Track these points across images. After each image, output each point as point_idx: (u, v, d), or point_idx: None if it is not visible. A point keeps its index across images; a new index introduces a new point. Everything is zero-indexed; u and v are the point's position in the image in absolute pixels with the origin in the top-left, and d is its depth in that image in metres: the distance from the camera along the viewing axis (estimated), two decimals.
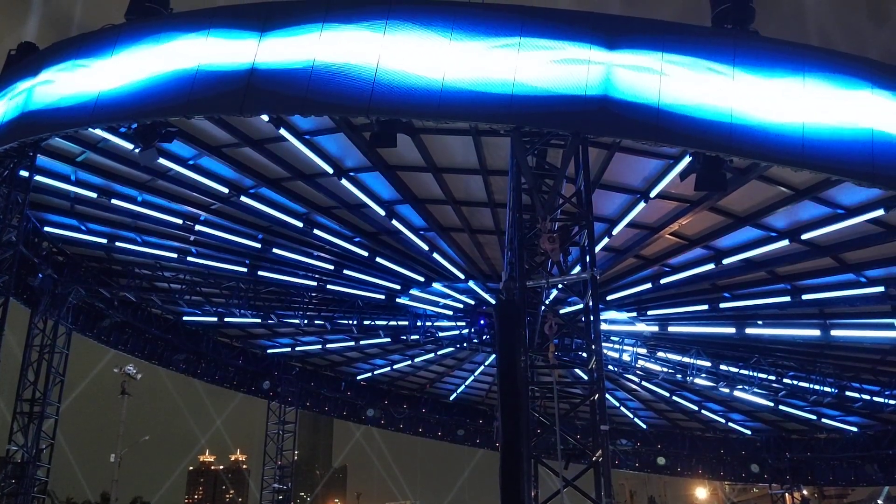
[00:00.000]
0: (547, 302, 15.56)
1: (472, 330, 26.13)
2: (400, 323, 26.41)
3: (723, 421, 33.48)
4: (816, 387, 26.09)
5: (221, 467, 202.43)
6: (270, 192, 19.51)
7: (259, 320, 28.14)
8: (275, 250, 23.30)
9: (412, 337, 26.74)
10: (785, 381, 26.24)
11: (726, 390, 27.78)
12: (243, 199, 19.85)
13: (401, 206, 19.79)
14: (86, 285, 25.81)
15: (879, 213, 15.50)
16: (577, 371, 25.94)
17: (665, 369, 27.25)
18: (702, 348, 26.50)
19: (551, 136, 14.11)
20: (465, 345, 27.16)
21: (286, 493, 35.39)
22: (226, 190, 19.53)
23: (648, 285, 21.99)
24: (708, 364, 26.60)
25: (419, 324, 26.28)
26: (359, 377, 35.31)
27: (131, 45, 15.58)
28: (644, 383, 29.88)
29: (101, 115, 15.41)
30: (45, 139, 17.09)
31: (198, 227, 21.97)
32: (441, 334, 26.75)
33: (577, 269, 14.66)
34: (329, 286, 25.60)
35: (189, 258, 24.34)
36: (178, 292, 25.94)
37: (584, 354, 14.26)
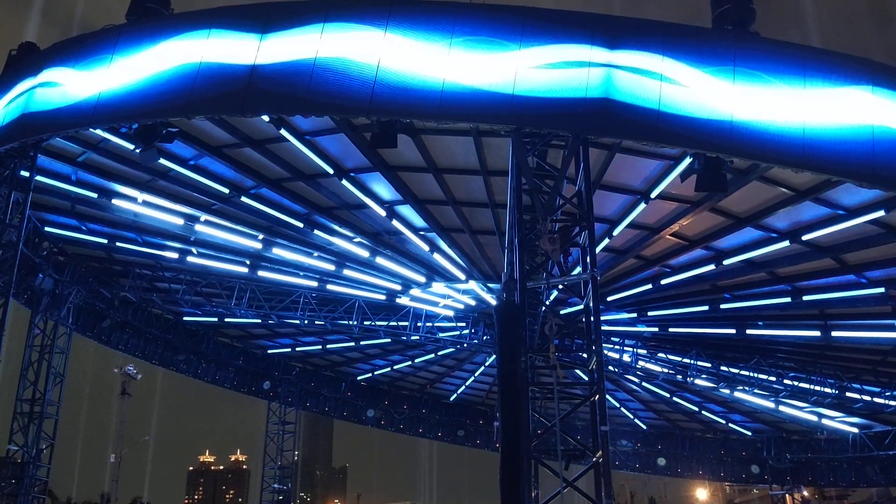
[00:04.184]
0: (547, 302, 15.53)
1: (473, 331, 26.16)
2: (400, 323, 26.41)
3: (723, 422, 33.50)
4: (817, 388, 26.13)
5: (221, 467, 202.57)
6: (271, 192, 19.52)
7: (259, 320, 28.17)
8: (275, 250, 23.31)
9: (412, 337, 26.75)
10: (785, 381, 26.26)
11: (727, 391, 27.81)
12: (244, 199, 19.86)
13: (401, 207, 19.79)
14: (86, 285, 25.84)
15: (880, 213, 15.51)
16: (578, 372, 25.97)
17: (665, 370, 27.26)
18: (702, 349, 26.50)
19: (552, 137, 14.11)
20: (465, 345, 27.16)
21: (286, 493, 35.40)
22: (226, 190, 19.54)
23: (649, 286, 21.99)
24: (708, 365, 26.62)
25: (419, 324, 26.29)
26: (359, 377, 35.35)
27: (132, 45, 15.55)
28: (644, 384, 29.89)
29: (101, 115, 15.41)
30: (46, 139, 17.09)
31: (198, 228, 21.97)
32: (441, 335, 26.75)
33: (578, 269, 14.65)
34: (329, 286, 25.62)
35: (189, 258, 24.35)
36: (179, 292, 25.95)
37: (585, 355, 14.25)
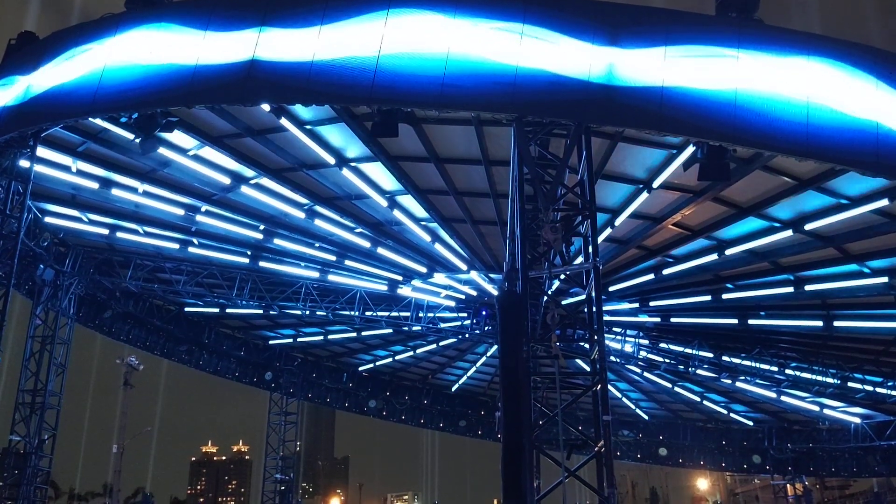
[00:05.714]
0: (549, 292, 15.50)
1: (475, 321, 26.15)
2: (402, 314, 26.41)
3: (725, 412, 33.54)
4: (819, 378, 26.13)
5: (224, 458, 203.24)
6: (272, 182, 19.45)
7: (261, 311, 28.17)
8: (276, 241, 23.27)
9: (414, 328, 26.75)
10: (787, 371, 26.25)
11: (728, 381, 27.79)
12: (245, 189, 19.81)
13: (402, 197, 19.74)
14: (87, 276, 25.82)
15: (884, 202, 15.43)
16: (579, 362, 25.96)
17: (667, 360, 27.25)
18: (704, 339, 26.48)
19: (554, 126, 14.04)
20: (466, 335, 27.15)
21: (288, 483, 35.49)
22: (227, 180, 19.49)
23: (651, 276, 21.95)
24: (710, 355, 26.60)
25: (421, 314, 26.28)
26: (361, 368, 35.38)
27: (132, 34, 15.47)
28: (646, 374, 29.89)
29: (101, 104, 15.32)
30: (45, 129, 17.01)
31: (199, 218, 21.93)
32: (443, 325, 26.74)
33: (580, 259, 14.60)
34: (331, 277, 25.60)
35: (190, 249, 24.33)
36: (180, 283, 25.94)
37: (587, 345, 14.22)
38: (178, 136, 17.11)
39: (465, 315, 26.44)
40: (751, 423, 34.10)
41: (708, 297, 22.91)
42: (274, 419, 35.17)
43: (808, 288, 20.84)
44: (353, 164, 18.18)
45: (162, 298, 29.05)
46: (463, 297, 25.94)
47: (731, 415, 33.70)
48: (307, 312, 26.64)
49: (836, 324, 22.71)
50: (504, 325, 13.37)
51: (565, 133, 14.14)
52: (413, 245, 22.76)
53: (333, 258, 24.38)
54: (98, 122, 16.62)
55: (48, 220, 22.98)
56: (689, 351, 26.62)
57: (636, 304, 24.26)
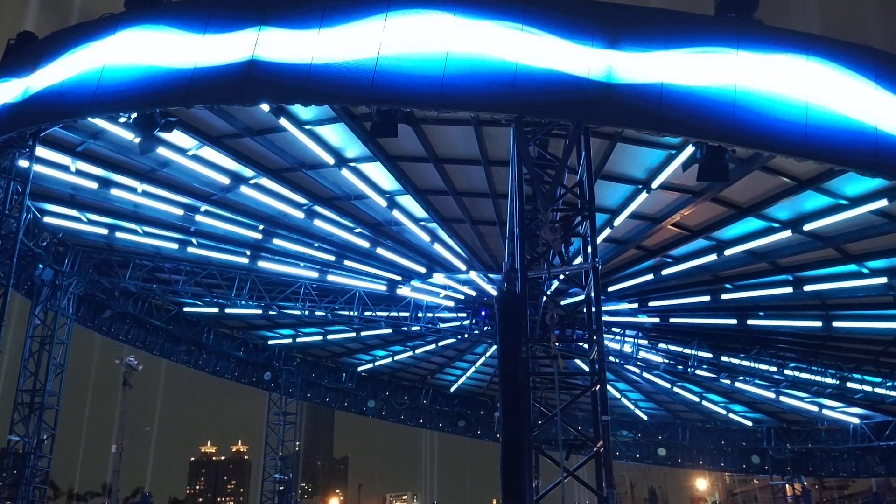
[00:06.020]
0: (548, 292, 15.50)
1: (474, 321, 26.14)
2: (401, 314, 26.39)
3: (724, 412, 33.53)
4: (818, 378, 26.11)
5: (223, 458, 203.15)
6: (271, 182, 19.44)
7: (260, 311, 28.15)
8: (275, 241, 23.26)
9: (413, 328, 26.75)
10: (786, 372, 26.23)
11: (727, 381, 27.79)
12: (244, 189, 19.79)
13: (402, 197, 19.73)
14: (86, 276, 25.80)
15: (883, 203, 15.42)
16: (578, 362, 25.97)
17: (666, 360, 27.24)
18: (703, 339, 26.48)
19: (553, 126, 14.05)
20: (466, 335, 27.14)
21: (287, 483, 35.46)
22: (227, 180, 19.48)
23: (650, 276, 21.96)
24: (709, 355, 26.60)
25: (420, 315, 26.27)
26: (360, 368, 35.35)
27: (131, 33, 15.46)
28: (645, 374, 29.89)
29: (100, 104, 15.32)
30: (45, 129, 17.00)
31: (198, 218, 21.91)
32: (442, 325, 26.73)
33: (579, 259, 14.59)
34: (330, 277, 25.59)
35: (189, 249, 24.31)
36: (179, 283, 25.92)
37: (586, 345, 14.22)
38: (177, 136, 17.11)
39: (464, 315, 26.42)
40: (750, 424, 34.09)
41: (707, 298, 22.93)
42: (273, 419, 35.14)
43: (807, 288, 20.86)
44: (352, 164, 18.17)
45: (161, 298, 29.03)
46: (462, 297, 25.93)
47: (730, 415, 33.68)
48: (306, 312, 26.63)
49: (834, 324, 22.72)
50: (503, 325, 13.37)
51: (564, 133, 14.14)
52: (412, 245, 22.76)
53: (332, 258, 24.37)
54: (97, 121, 16.62)
55: (47, 219, 22.97)
56: (688, 351, 26.61)
57: (635, 305, 24.26)
